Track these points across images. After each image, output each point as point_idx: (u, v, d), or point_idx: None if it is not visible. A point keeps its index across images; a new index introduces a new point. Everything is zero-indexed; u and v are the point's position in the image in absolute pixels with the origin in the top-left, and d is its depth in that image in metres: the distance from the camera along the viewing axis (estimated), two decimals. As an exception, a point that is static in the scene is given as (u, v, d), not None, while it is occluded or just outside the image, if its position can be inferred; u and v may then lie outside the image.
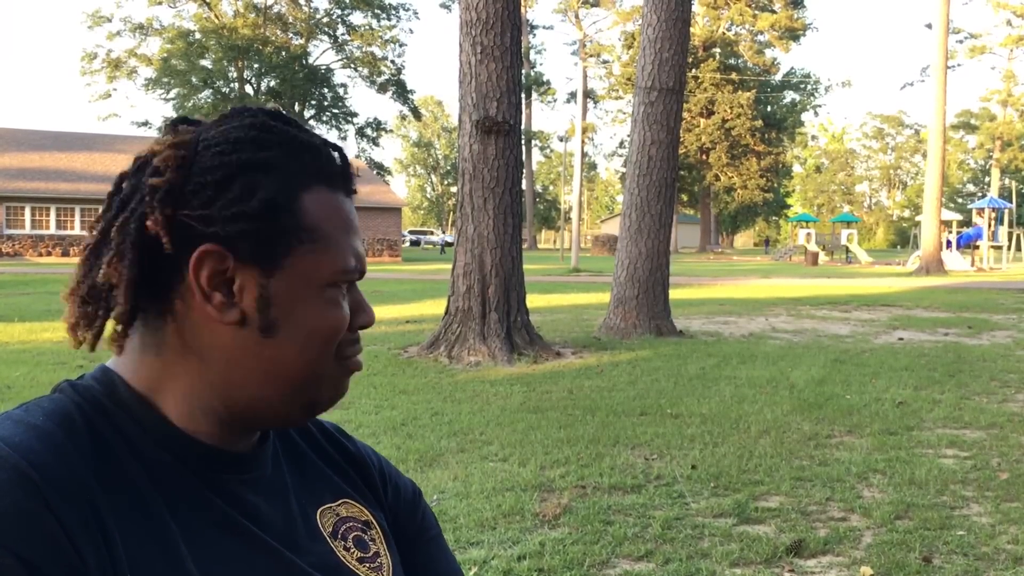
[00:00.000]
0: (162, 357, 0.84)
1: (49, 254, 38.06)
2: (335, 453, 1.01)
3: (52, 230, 38.07)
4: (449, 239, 70.39)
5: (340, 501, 0.96)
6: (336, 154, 0.89)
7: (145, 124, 60.87)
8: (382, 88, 63.03)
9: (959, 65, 67.27)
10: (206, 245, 0.80)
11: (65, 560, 0.69)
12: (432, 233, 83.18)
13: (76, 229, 39.33)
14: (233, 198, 0.81)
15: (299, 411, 0.87)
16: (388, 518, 1.01)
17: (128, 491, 0.77)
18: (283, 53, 60.47)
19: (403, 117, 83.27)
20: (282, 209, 0.82)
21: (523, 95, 10.52)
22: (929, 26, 34.83)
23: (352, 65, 63.96)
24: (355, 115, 64.13)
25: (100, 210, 0.87)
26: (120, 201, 0.85)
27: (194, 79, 57.46)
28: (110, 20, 57.93)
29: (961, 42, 67.28)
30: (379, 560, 0.95)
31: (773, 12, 62.23)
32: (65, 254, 37.87)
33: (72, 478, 0.73)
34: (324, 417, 1.02)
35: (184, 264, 0.80)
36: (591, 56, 68.54)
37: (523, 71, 10.51)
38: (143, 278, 0.82)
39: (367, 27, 62.17)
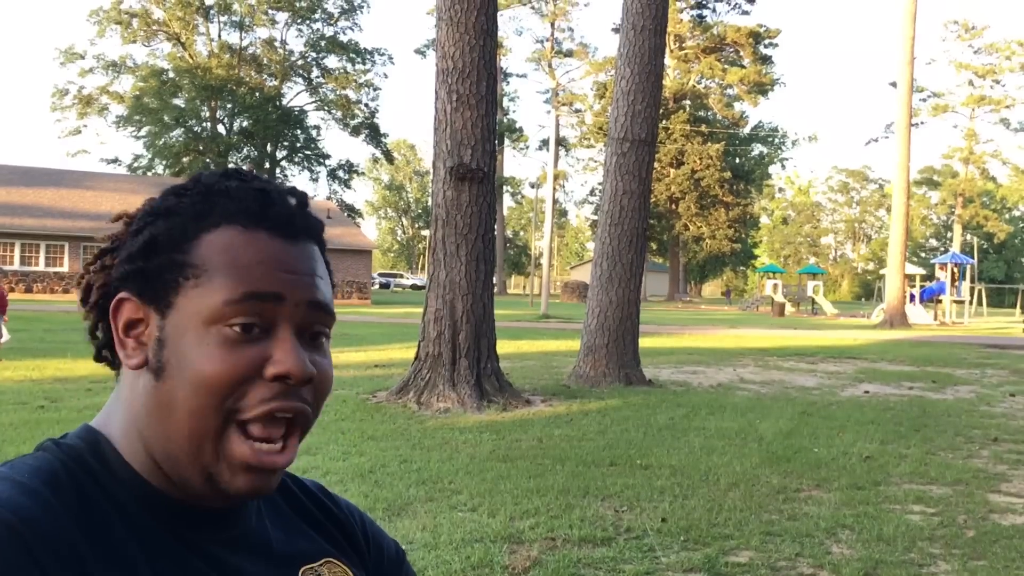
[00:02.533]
0: (119, 409, 0.86)
1: (12, 290, 37.52)
2: (317, 512, 1.00)
3: (16, 265, 37.54)
4: (419, 281, 70.39)
5: (323, 561, 0.94)
6: (277, 199, 0.85)
7: (115, 161, 60.56)
8: (355, 131, 63.30)
9: (922, 123, 68.96)
10: (121, 293, 0.84)
11: None
12: (402, 276, 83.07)
13: (41, 265, 38.83)
14: (132, 243, 0.85)
15: (200, 478, 0.80)
16: None
17: (114, 550, 0.77)
18: (257, 94, 60.64)
19: (375, 160, 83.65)
20: (165, 247, 0.83)
21: (496, 142, 10.60)
22: (894, 84, 35.70)
23: (326, 107, 64.24)
24: (327, 157, 64.29)
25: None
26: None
27: (166, 117, 57.37)
28: (83, 57, 57.91)
29: (924, 100, 69.05)
30: None
31: (742, 67, 63.43)
32: (28, 290, 37.35)
33: (60, 536, 0.73)
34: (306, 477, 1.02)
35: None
36: (564, 105, 69.33)
37: (497, 119, 10.60)
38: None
39: (342, 70, 62.60)
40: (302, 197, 0.88)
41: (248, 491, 0.81)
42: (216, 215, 0.83)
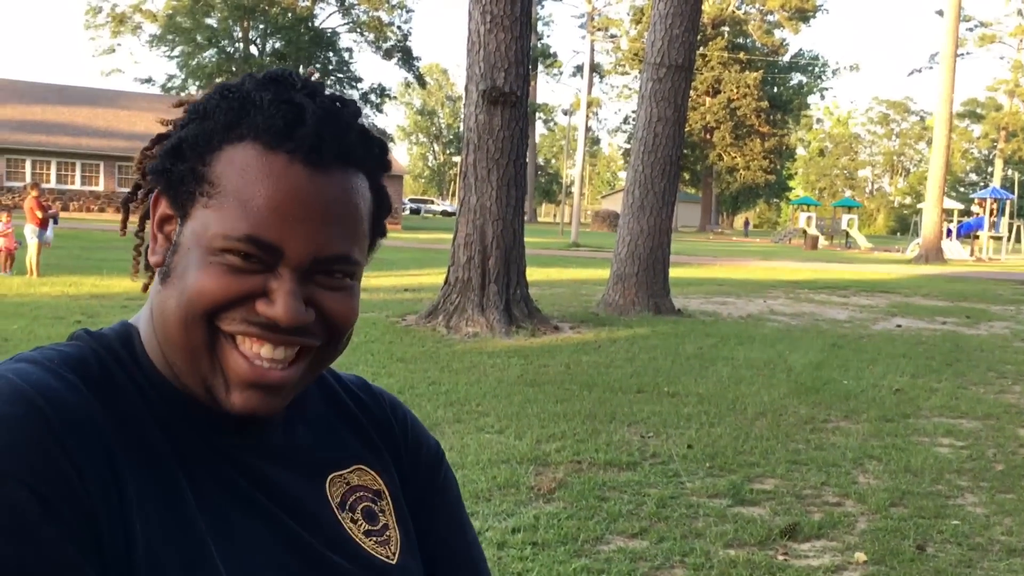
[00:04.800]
0: (146, 308, 0.85)
1: (49, 207, 37.95)
2: (355, 409, 0.98)
3: (52, 184, 37.88)
4: (449, 207, 70.29)
5: (352, 468, 0.93)
6: (309, 119, 0.77)
7: (148, 81, 60.43)
8: (387, 54, 62.60)
9: (968, 54, 66.94)
10: (157, 189, 0.82)
11: (75, 497, 0.69)
12: (433, 202, 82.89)
13: (77, 184, 39.19)
14: (170, 140, 0.82)
15: (201, 389, 0.79)
16: (408, 478, 0.98)
17: (140, 438, 0.76)
18: (289, 15, 59.97)
19: (407, 84, 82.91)
20: (190, 153, 0.79)
21: (530, 67, 10.44)
22: (940, 13, 34.62)
23: (358, 29, 63.47)
24: (360, 80, 63.72)
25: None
26: None
27: (199, 37, 57.04)
28: (116, -26, 57.35)
29: (971, 30, 66.88)
30: (387, 533, 0.92)
31: (784, -8, 61.75)
32: (65, 208, 37.73)
33: (86, 419, 0.72)
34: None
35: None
36: (599, 30, 68.03)
37: (531, 42, 10.43)
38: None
39: (375, -9, 61.61)
40: (348, 115, 0.81)
41: (244, 408, 0.78)
42: (244, 127, 0.77)
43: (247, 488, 0.82)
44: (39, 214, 13.81)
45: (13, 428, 0.68)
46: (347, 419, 0.96)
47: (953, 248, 35.98)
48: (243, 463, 0.83)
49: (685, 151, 52.12)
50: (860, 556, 3.83)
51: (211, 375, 0.78)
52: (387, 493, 0.94)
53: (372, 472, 0.94)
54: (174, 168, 0.80)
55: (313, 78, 0.84)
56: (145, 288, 0.87)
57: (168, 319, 0.78)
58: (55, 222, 14.52)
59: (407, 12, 66.67)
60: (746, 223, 72.60)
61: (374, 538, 0.90)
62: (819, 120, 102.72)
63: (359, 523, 0.90)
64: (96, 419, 0.73)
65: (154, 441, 0.77)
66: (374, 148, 0.83)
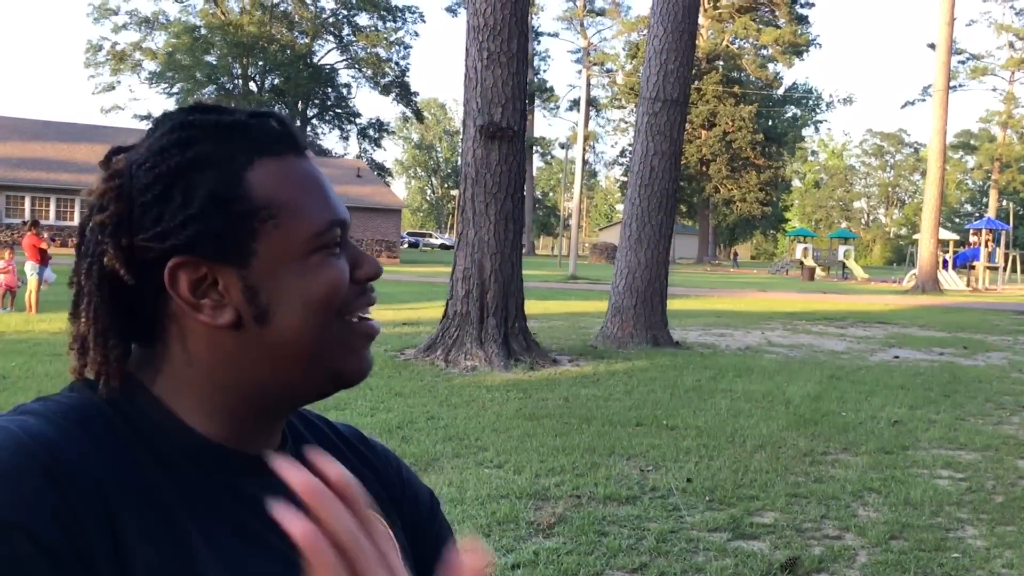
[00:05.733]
0: (172, 372, 0.83)
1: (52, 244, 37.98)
2: (353, 458, 1.00)
3: (52, 220, 37.98)
4: (447, 241, 70.36)
5: None
6: (272, 120, 0.85)
7: (148, 117, 60.73)
8: (385, 90, 63.09)
9: (960, 86, 67.48)
10: (173, 259, 0.79)
11: (78, 549, 0.69)
12: (431, 235, 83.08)
13: (75, 220, 39.24)
14: (177, 206, 0.80)
15: (325, 382, 0.85)
16: (406, 527, 1.00)
17: (144, 488, 0.77)
18: (288, 52, 60.54)
19: (405, 119, 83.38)
20: (227, 198, 0.80)
21: (527, 102, 10.52)
22: (932, 46, 34.98)
23: (356, 66, 64.05)
24: (358, 116, 64.21)
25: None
26: (83, 250, 0.84)
27: (198, 74, 57.54)
28: (116, 13, 57.98)
29: (963, 63, 67.50)
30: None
31: (777, 27, 62.37)
32: (64, 245, 37.79)
33: (87, 471, 0.73)
34: (342, 421, 1.02)
35: (162, 288, 0.80)
36: (595, 65, 68.66)
37: (528, 78, 10.52)
38: (125, 314, 0.82)
39: (372, 28, 62.28)
40: (275, 115, 0.89)
41: (365, 370, 0.87)
42: (243, 152, 0.81)
43: (261, 529, 0.83)
44: (44, 246, 13.90)
45: (16, 480, 0.69)
46: (346, 465, 0.98)
47: (950, 278, 36.06)
48: (253, 501, 0.84)
49: (682, 184, 52.32)
50: (861, 590, 3.83)
51: (341, 360, 0.84)
52: (394, 537, 0.96)
53: (378, 517, 0.96)
54: (213, 222, 0.80)
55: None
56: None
57: (291, 344, 0.81)
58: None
59: (405, 48, 67.20)
60: (734, 255, 72.60)
61: None
62: (814, 152, 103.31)
63: None
64: (97, 471, 0.74)
65: (159, 490, 0.77)
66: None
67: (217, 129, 0.82)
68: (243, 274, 0.80)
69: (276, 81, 60.80)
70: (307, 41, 62.18)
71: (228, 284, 0.80)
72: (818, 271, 45.94)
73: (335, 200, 0.86)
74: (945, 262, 37.37)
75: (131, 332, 0.84)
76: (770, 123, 65.83)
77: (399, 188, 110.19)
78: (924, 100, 63.86)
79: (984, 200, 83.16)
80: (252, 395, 0.84)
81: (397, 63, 63.17)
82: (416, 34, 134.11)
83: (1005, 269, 40.47)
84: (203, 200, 0.80)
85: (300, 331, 0.81)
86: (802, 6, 63.53)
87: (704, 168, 62.35)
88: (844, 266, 47.67)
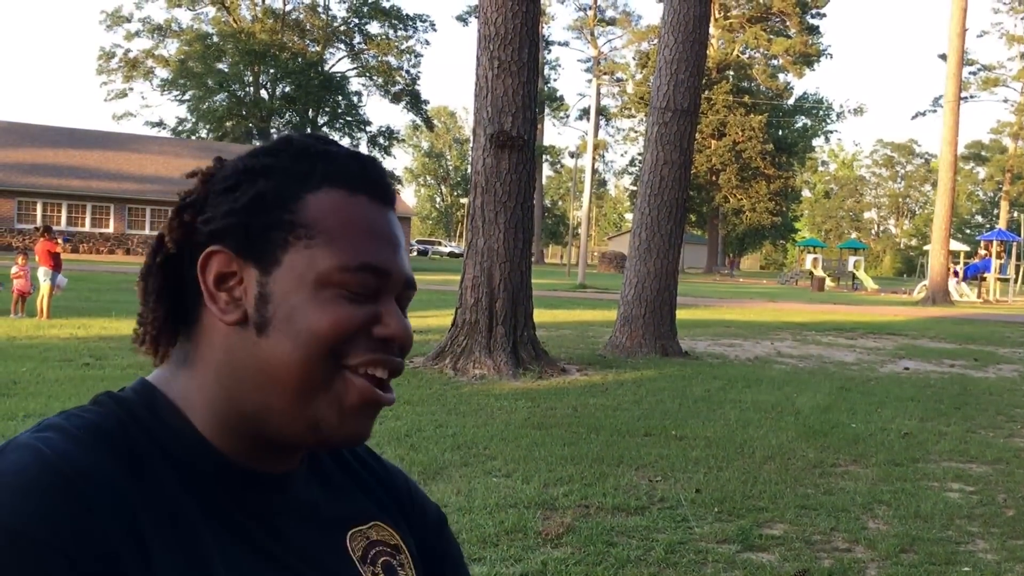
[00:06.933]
0: (191, 369, 0.85)
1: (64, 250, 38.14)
2: (364, 474, 1.00)
3: (63, 226, 38.15)
4: (457, 249, 70.42)
5: (371, 524, 0.95)
6: (365, 163, 0.87)
7: (159, 124, 61.21)
8: (396, 98, 63.34)
9: (972, 97, 67.35)
10: (211, 247, 0.82)
11: (105, 565, 0.70)
12: (440, 243, 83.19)
13: (87, 226, 39.47)
14: (232, 199, 0.84)
15: (305, 428, 0.82)
16: (416, 542, 1.00)
17: (164, 503, 0.77)
18: (299, 59, 60.82)
19: (416, 127, 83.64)
20: (273, 204, 0.82)
21: (537, 110, 10.54)
22: (943, 57, 34.91)
23: (367, 74, 64.30)
24: (368, 123, 64.42)
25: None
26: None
27: (210, 82, 57.83)
28: (129, 20, 58.38)
29: (974, 74, 67.41)
30: None
31: (788, 37, 62.37)
32: (75, 251, 37.96)
33: (114, 488, 0.74)
34: None
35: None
36: (605, 74, 68.75)
37: (538, 87, 10.55)
38: (174, 294, 0.86)
39: (383, 37, 62.54)
40: (374, 162, 0.89)
41: (358, 435, 0.84)
42: (317, 176, 0.84)
43: (274, 546, 0.84)
44: (58, 251, 13.99)
45: (44, 498, 0.70)
46: (358, 481, 0.99)
47: (960, 290, 35.92)
48: (266, 519, 0.85)
49: (691, 193, 52.25)
50: (870, 603, 3.81)
51: (325, 410, 0.81)
52: (404, 549, 0.96)
53: (389, 529, 0.96)
54: (252, 221, 0.82)
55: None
56: (161, 361, 0.87)
57: (282, 364, 0.80)
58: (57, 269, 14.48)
59: (416, 57, 67.38)
60: (732, 263, 72.25)
61: None
62: (824, 162, 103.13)
63: None
64: (121, 487, 0.74)
65: (180, 505, 0.78)
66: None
67: (306, 150, 0.86)
68: (262, 280, 0.82)
69: (287, 89, 61.09)
70: (318, 49, 62.46)
71: (248, 287, 0.82)
72: (828, 281, 45.79)
73: (391, 254, 0.84)
74: (956, 273, 37.22)
75: (176, 319, 0.87)
76: (780, 133, 65.77)
77: (408, 196, 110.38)
78: (935, 111, 63.74)
79: (995, 211, 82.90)
80: (246, 413, 0.83)
81: (408, 71, 63.45)
82: (427, 43, 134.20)
83: (1016, 281, 40.27)
84: (248, 197, 0.83)
85: (289, 355, 0.80)
86: (813, 16, 63.52)
87: (714, 178, 62.31)
88: (854, 277, 47.52)
